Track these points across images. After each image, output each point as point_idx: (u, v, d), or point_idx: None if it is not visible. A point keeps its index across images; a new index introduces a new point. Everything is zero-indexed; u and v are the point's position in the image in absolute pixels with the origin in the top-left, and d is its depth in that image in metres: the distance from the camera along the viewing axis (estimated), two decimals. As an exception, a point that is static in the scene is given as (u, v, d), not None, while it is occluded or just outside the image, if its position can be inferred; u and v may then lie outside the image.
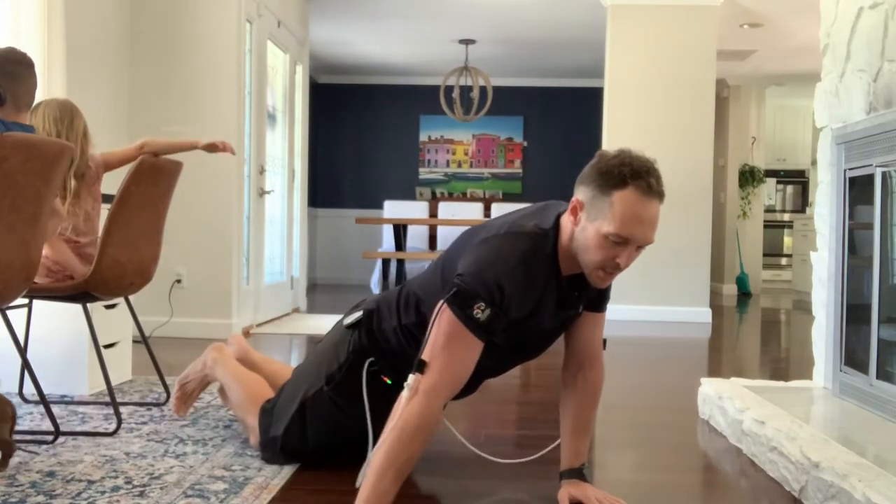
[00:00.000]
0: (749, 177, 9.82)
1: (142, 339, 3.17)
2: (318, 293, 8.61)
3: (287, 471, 2.25)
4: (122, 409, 2.90)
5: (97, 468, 2.24)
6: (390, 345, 2.15)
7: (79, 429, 2.68)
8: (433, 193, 10.15)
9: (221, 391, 2.64)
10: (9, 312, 2.57)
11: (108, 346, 3.27)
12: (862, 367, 2.68)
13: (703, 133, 6.50)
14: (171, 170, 3.04)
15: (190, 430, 2.69)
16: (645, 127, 6.39)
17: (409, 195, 10.05)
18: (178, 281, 4.97)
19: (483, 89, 8.35)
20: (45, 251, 2.83)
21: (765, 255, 10.39)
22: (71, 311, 3.12)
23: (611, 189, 1.81)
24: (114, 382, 3.15)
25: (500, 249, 1.88)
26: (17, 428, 2.66)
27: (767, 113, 10.49)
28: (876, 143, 2.59)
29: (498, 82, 9.20)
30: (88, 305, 2.84)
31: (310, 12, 6.99)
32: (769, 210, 11.17)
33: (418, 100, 10.08)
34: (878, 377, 2.57)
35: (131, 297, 3.17)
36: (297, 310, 6.63)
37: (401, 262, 7.65)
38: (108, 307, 3.34)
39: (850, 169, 2.80)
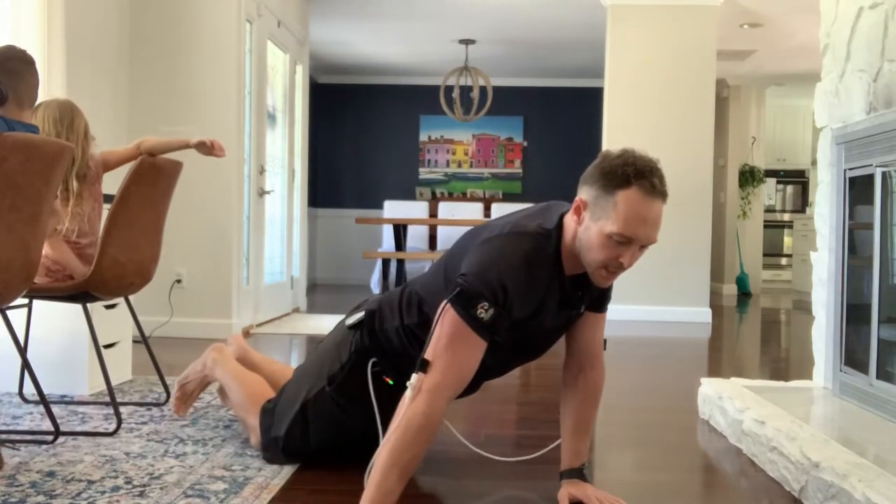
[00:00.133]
0: (749, 177, 9.82)
1: (142, 339, 3.17)
2: (318, 293, 8.61)
3: (287, 471, 2.25)
4: (122, 409, 2.90)
5: (97, 468, 2.24)
6: (392, 345, 2.15)
7: (79, 429, 2.68)
8: (433, 193, 10.15)
9: (221, 391, 2.64)
10: (9, 312, 2.57)
11: (108, 346, 3.27)
12: (862, 367, 2.68)
13: (703, 133, 6.50)
14: (171, 170, 3.04)
15: (190, 430, 2.69)
16: (645, 127, 6.39)
17: (409, 195, 10.05)
18: (178, 281, 4.97)
19: (483, 89, 8.35)
20: (45, 250, 2.83)
21: (765, 255, 10.39)
22: (71, 311, 3.12)
23: (615, 189, 1.82)
24: (114, 382, 3.15)
25: (504, 249, 1.89)
26: (17, 428, 2.67)
27: (767, 113, 10.49)
28: (876, 143, 2.59)
29: (498, 82, 9.20)
30: (88, 305, 2.84)
31: (310, 12, 6.99)
32: (769, 210, 11.17)
33: (418, 100, 10.08)
34: (878, 377, 2.57)
35: (131, 297, 3.17)
36: (297, 310, 6.63)
37: (401, 262, 7.65)
38: (108, 307, 3.34)
39: (850, 169, 2.80)
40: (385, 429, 1.87)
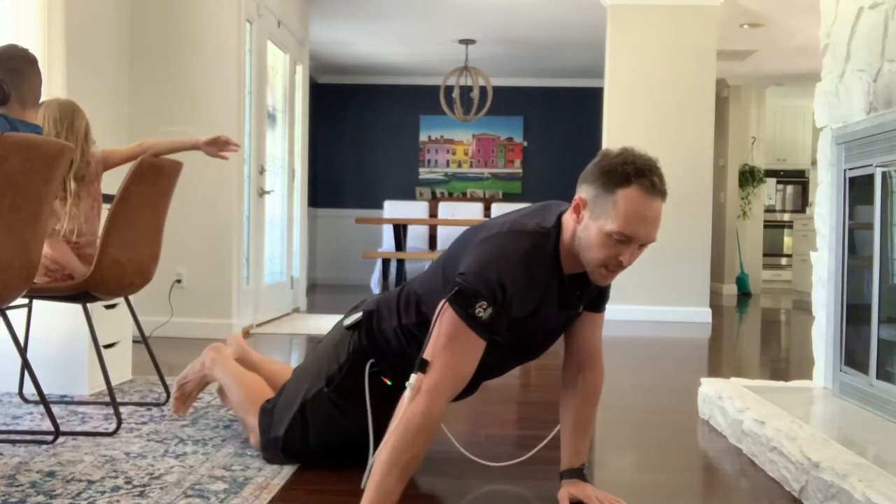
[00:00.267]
0: (749, 177, 9.82)
1: (142, 339, 3.17)
2: (318, 293, 8.61)
3: (287, 471, 2.25)
4: (122, 409, 2.90)
5: (97, 468, 2.24)
6: (390, 345, 2.15)
7: (79, 429, 2.68)
8: (433, 193, 10.15)
9: (220, 391, 2.64)
10: (9, 312, 2.57)
11: (108, 346, 3.27)
12: (862, 367, 2.68)
13: (703, 133, 6.50)
14: (171, 170, 3.04)
15: (190, 430, 2.69)
16: (645, 127, 6.39)
17: (409, 195, 10.05)
18: (178, 281, 4.97)
19: (483, 89, 8.35)
20: (45, 250, 2.83)
21: (765, 255, 10.39)
22: (71, 311, 3.12)
23: (614, 187, 1.82)
24: (114, 382, 3.15)
25: (502, 248, 1.88)
26: (17, 428, 2.67)
27: (767, 113, 10.49)
28: (876, 143, 2.59)
29: (498, 82, 9.21)
30: (88, 305, 2.84)
31: (310, 12, 6.99)
32: (769, 210, 11.17)
33: (418, 100, 10.08)
34: (878, 377, 2.57)
35: (131, 297, 3.17)
36: (297, 310, 6.63)
37: (401, 262, 7.65)
38: (108, 307, 3.34)
39: (850, 169, 2.80)
40: (377, 431, 1.87)
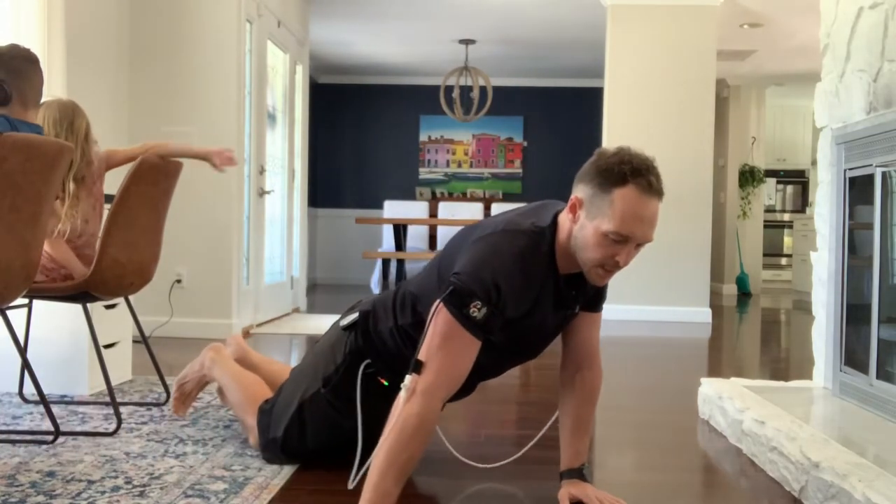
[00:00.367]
0: (749, 177, 9.82)
1: (142, 339, 3.17)
2: (318, 293, 8.61)
3: (287, 471, 2.25)
4: (122, 409, 2.90)
5: (97, 468, 2.24)
6: (387, 346, 2.14)
7: (79, 429, 2.68)
8: (433, 193, 10.15)
9: (220, 391, 2.64)
10: (9, 312, 2.57)
11: (108, 346, 3.27)
12: (862, 367, 2.68)
13: (703, 133, 6.50)
14: (171, 170, 3.04)
15: (190, 430, 2.69)
16: (645, 127, 6.39)
17: (409, 195, 10.05)
18: (178, 281, 4.97)
19: (483, 89, 8.35)
20: (46, 247, 2.83)
21: (765, 255, 10.39)
22: (71, 311, 3.12)
23: (611, 187, 1.80)
24: (114, 382, 3.15)
25: (497, 247, 1.87)
26: (17, 428, 2.67)
27: (767, 113, 10.49)
28: (876, 143, 2.59)
29: (498, 82, 9.21)
30: (88, 305, 2.84)
31: (310, 12, 6.99)
32: (769, 210, 11.17)
33: (418, 100, 10.08)
34: (878, 377, 2.57)
35: (131, 297, 3.17)
36: (297, 310, 6.63)
37: (401, 262, 7.65)
38: (108, 307, 3.34)
39: (850, 169, 2.80)
40: (374, 431, 1.86)
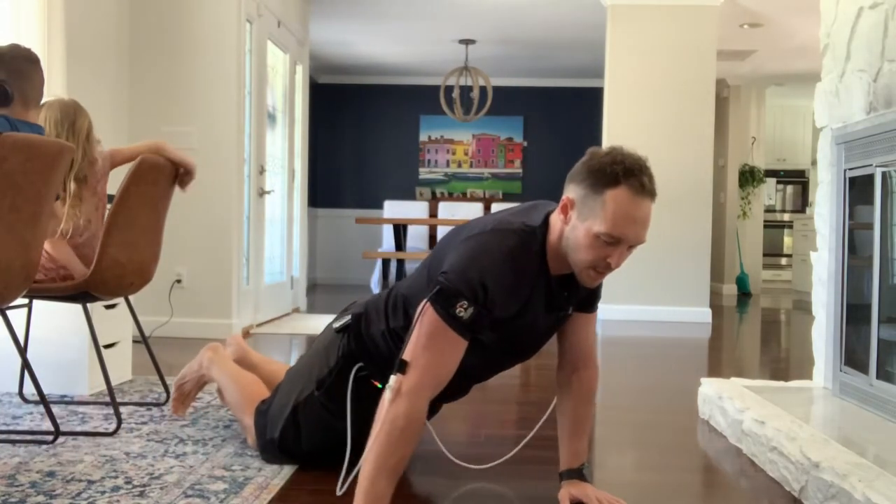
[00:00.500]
0: (749, 177, 9.82)
1: (142, 339, 3.17)
2: (318, 293, 8.61)
3: (287, 471, 2.25)
4: (122, 409, 2.90)
5: (97, 468, 2.24)
6: (379, 349, 2.13)
7: (79, 429, 2.68)
8: (433, 193, 10.15)
9: (220, 391, 2.64)
10: (9, 312, 2.57)
11: (108, 346, 3.27)
12: (862, 367, 2.68)
13: (703, 133, 6.50)
14: (171, 170, 3.04)
15: (190, 430, 2.69)
16: (645, 127, 6.39)
17: (409, 195, 10.05)
18: (178, 281, 4.97)
19: (483, 89, 8.35)
20: (47, 247, 2.83)
21: (765, 255, 10.39)
22: (71, 311, 3.12)
23: (603, 188, 1.78)
24: (114, 382, 3.15)
25: (486, 246, 1.85)
26: (17, 428, 2.67)
27: (767, 113, 10.49)
28: (876, 143, 2.59)
29: (498, 82, 9.20)
30: (88, 305, 2.84)
31: (310, 12, 6.99)
32: (769, 210, 11.17)
33: (418, 100, 10.08)
34: (878, 377, 2.57)
35: (131, 297, 3.17)
36: (297, 310, 6.63)
37: (401, 262, 7.65)
38: (108, 307, 3.34)
39: (850, 169, 2.80)
40: (360, 436, 1.85)
